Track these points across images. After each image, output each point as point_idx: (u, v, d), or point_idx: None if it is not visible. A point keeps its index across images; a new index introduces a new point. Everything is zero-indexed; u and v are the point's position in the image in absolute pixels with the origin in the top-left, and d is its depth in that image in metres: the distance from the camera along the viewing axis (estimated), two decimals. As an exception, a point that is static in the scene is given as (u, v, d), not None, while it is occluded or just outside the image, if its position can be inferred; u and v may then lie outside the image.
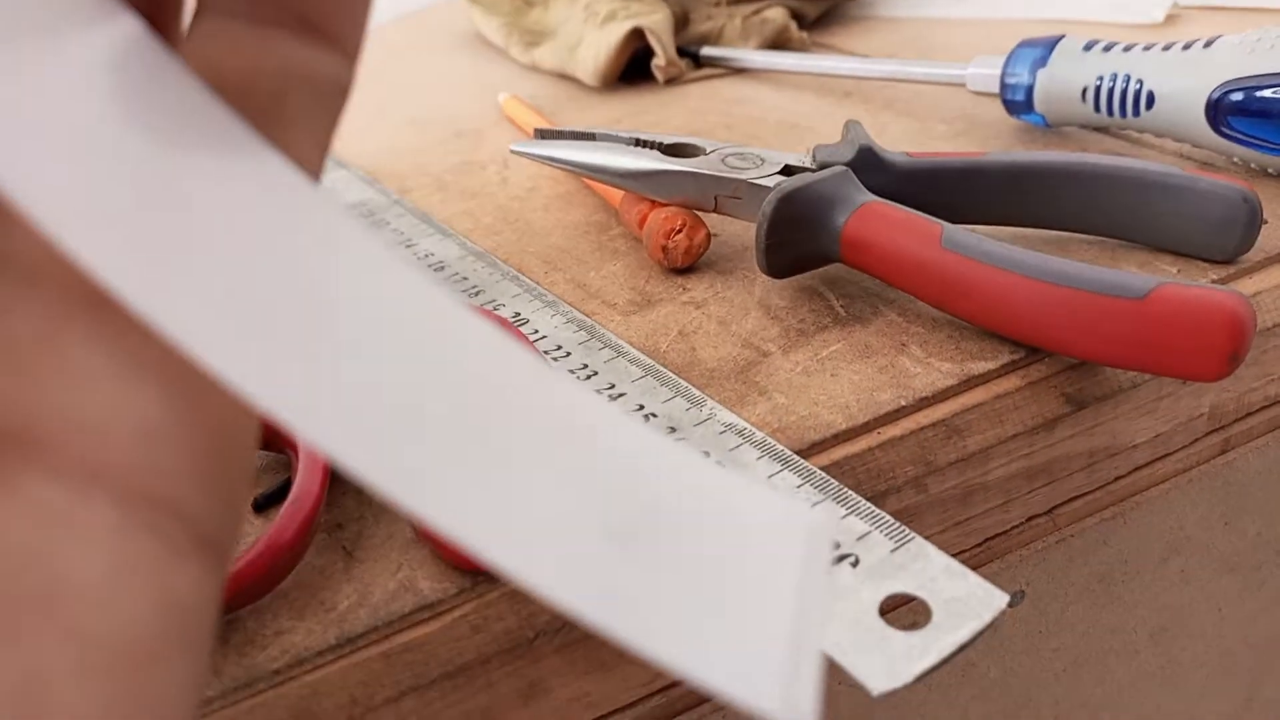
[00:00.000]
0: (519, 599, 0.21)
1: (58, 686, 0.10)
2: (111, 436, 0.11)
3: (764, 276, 0.30)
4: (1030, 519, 0.27)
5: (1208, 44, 0.34)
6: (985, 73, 0.40)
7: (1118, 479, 0.28)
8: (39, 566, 0.11)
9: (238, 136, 0.12)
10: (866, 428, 0.24)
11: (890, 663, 0.18)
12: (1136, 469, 0.28)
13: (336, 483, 0.23)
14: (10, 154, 0.11)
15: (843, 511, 0.22)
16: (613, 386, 0.26)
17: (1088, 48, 0.37)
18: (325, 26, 0.14)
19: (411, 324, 0.12)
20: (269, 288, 0.11)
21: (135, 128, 0.12)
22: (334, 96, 0.14)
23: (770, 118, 0.44)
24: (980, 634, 0.19)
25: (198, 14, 0.14)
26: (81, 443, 0.11)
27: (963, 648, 0.19)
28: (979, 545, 0.26)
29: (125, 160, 0.11)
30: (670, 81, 0.50)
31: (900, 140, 0.40)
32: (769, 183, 0.30)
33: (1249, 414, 0.29)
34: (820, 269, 0.30)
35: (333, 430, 0.11)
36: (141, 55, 0.12)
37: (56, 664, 0.10)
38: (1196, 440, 0.29)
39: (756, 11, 0.52)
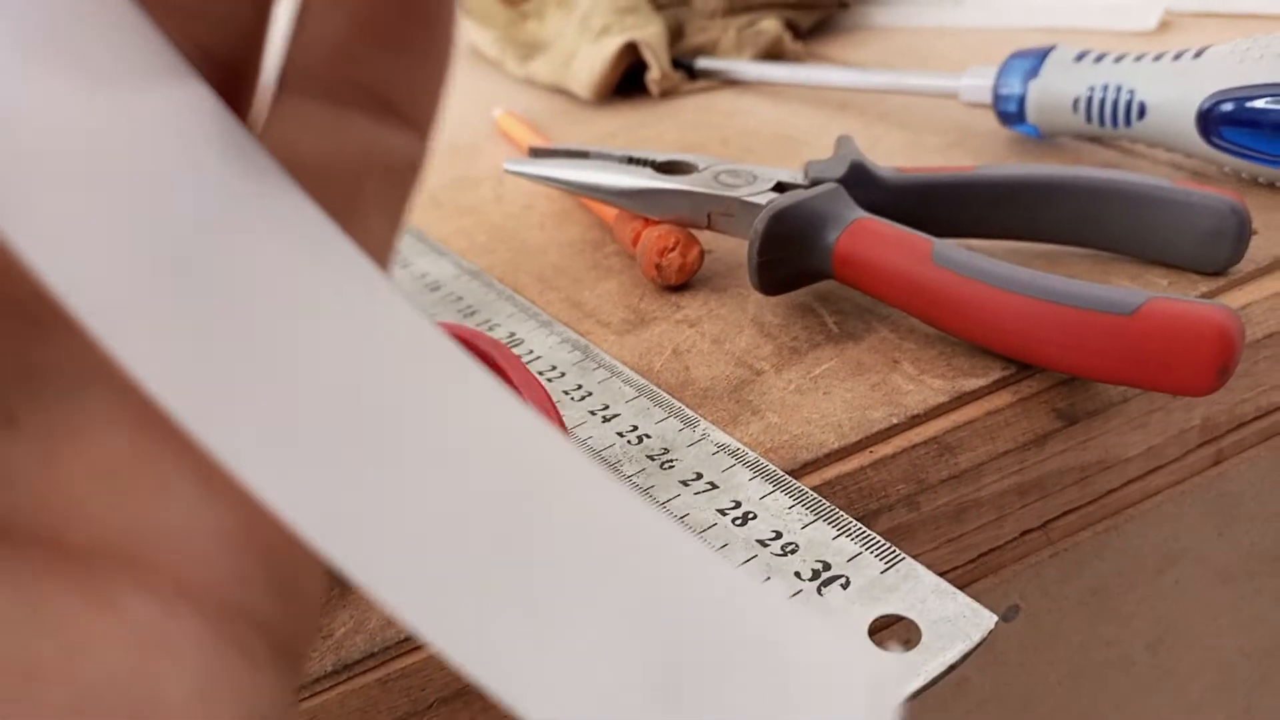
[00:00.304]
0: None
1: None
2: (195, 548, 0.11)
3: (757, 293, 0.30)
4: (1024, 534, 0.27)
5: (1198, 54, 0.34)
6: (978, 84, 0.40)
7: (1110, 492, 0.28)
8: (135, 687, 0.11)
9: (310, 223, 0.12)
10: (859, 446, 0.25)
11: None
12: (1129, 482, 0.28)
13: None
14: (59, 246, 0.10)
15: (834, 533, 0.22)
16: (606, 407, 0.26)
17: (1079, 58, 0.37)
18: (402, 106, 0.13)
19: (488, 451, 0.11)
20: (335, 412, 0.11)
21: (200, 212, 0.11)
22: (408, 176, 0.14)
23: (765, 130, 0.45)
24: (969, 654, 0.19)
25: (277, 94, 0.13)
26: (169, 556, 0.11)
27: (952, 668, 0.19)
28: (972, 561, 0.26)
29: (185, 253, 0.11)
30: (665, 95, 0.50)
31: (894, 152, 0.41)
32: (761, 200, 0.31)
33: (1241, 425, 0.29)
34: (813, 285, 0.30)
35: (396, 585, 0.10)
36: (210, 133, 0.12)
37: None
38: (1189, 452, 0.29)
39: (751, 23, 0.53)
